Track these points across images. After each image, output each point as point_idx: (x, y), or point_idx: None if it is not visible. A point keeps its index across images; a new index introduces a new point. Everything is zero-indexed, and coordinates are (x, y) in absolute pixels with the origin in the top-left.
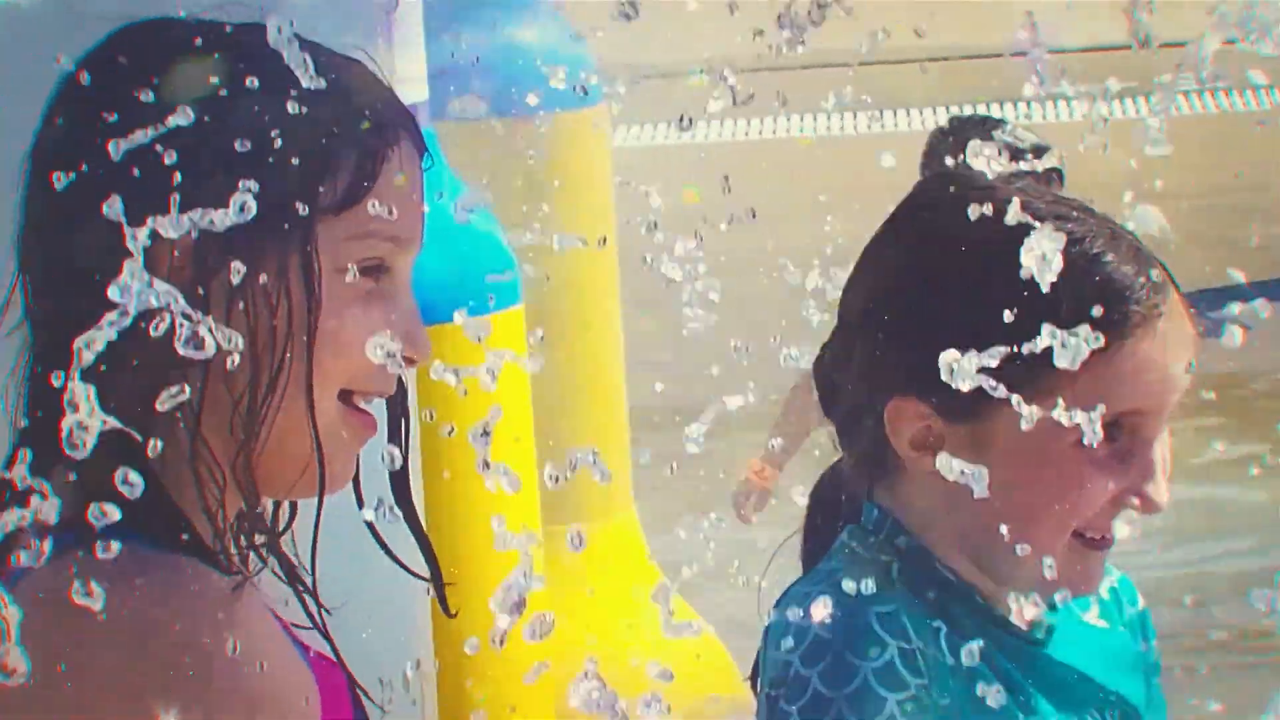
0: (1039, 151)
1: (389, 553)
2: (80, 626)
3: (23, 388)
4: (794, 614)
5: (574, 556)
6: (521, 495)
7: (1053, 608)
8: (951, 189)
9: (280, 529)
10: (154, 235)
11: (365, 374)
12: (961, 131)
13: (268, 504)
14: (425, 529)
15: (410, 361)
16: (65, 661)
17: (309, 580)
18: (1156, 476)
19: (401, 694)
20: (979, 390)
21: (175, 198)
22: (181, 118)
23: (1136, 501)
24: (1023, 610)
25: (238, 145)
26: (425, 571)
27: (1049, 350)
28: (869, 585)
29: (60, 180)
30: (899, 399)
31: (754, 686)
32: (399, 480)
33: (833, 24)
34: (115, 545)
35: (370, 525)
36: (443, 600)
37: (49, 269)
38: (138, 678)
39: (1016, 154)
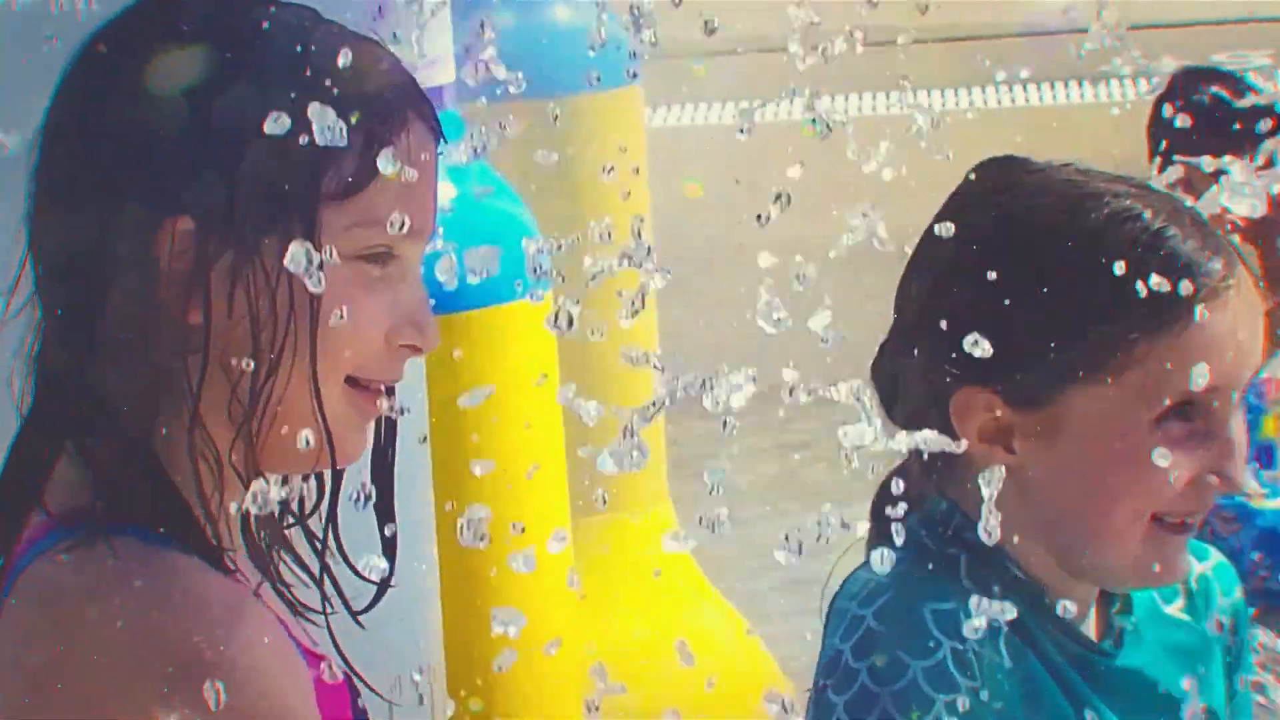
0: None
1: (340, 550)
2: (78, 623)
3: (31, 367)
4: (851, 603)
5: (606, 548)
6: (550, 487)
7: (1128, 609)
8: (1007, 173)
9: (306, 514)
10: (154, 219)
11: (371, 362)
12: (1190, 86)
13: (294, 492)
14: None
15: (417, 350)
16: (61, 658)
17: (324, 575)
18: (1235, 453)
19: (411, 695)
20: (1048, 375)
21: (173, 180)
22: (187, 98)
23: (1216, 481)
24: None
25: (240, 128)
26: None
27: (1115, 330)
28: (931, 579)
29: (69, 157)
30: (966, 390)
31: None
32: (380, 469)
33: (836, 10)
34: (119, 540)
35: (330, 521)
36: (375, 599)
37: (59, 247)
38: (132, 678)
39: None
